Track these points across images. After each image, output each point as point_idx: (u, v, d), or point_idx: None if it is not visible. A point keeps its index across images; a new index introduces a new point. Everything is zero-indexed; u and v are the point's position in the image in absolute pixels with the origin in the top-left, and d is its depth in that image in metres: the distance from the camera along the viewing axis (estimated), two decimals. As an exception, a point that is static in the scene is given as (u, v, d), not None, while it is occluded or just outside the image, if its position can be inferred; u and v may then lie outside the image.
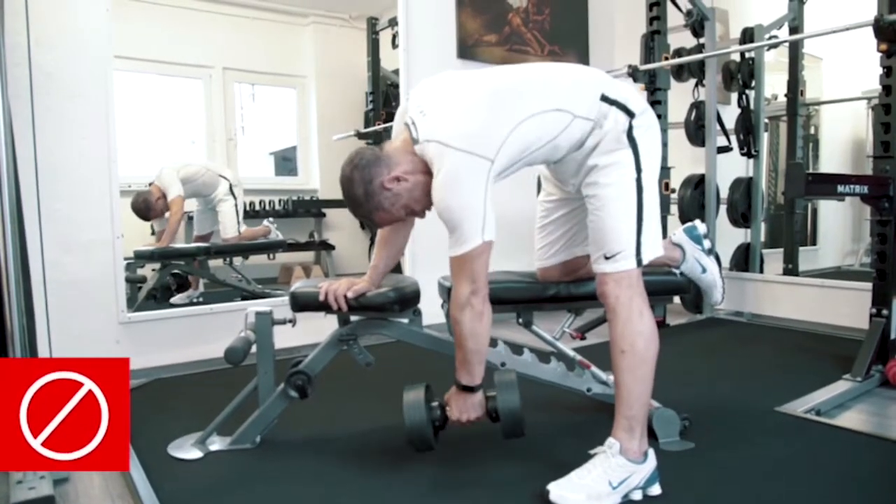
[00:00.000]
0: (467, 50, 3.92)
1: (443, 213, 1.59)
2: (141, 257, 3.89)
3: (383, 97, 5.10)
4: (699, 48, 3.90)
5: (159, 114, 5.09)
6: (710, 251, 2.14)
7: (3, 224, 1.80)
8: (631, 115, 1.63)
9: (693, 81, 4.07)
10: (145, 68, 4.86)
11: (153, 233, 4.35)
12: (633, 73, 3.54)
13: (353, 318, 1.97)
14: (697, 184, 3.91)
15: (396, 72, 4.07)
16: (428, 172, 1.63)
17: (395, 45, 4.03)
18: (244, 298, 3.91)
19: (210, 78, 5.25)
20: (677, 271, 2.08)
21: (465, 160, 1.55)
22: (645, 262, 1.64)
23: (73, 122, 2.73)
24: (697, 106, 4.00)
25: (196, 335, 3.03)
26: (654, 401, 1.91)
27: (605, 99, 1.64)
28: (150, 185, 4.10)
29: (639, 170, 1.62)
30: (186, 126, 5.28)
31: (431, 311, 2.07)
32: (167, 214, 4.11)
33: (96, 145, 2.79)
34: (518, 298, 2.01)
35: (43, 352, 2.18)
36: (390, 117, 4.76)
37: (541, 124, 1.62)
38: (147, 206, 4.03)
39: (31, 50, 2.54)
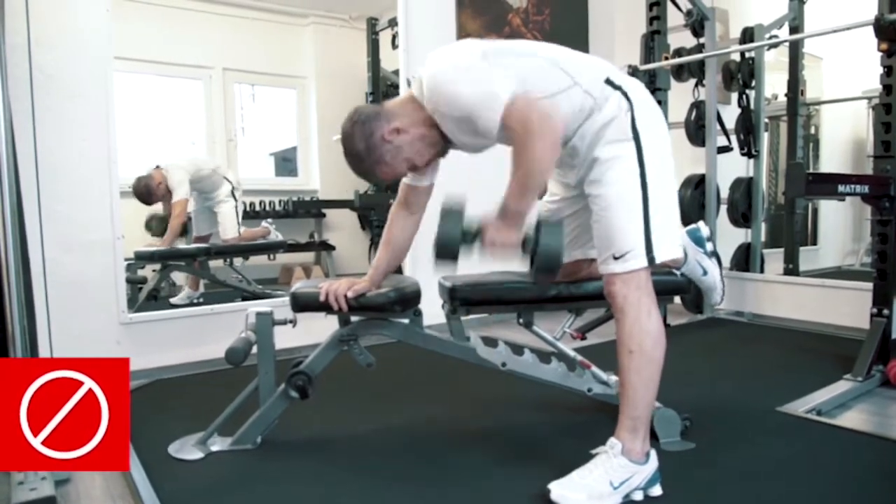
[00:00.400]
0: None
1: (451, 107, 1.57)
2: (141, 258, 3.89)
3: (383, 98, 5.10)
4: (699, 48, 3.90)
5: (159, 114, 5.09)
6: (713, 253, 2.14)
7: (4, 224, 1.80)
8: (632, 103, 1.62)
9: (693, 81, 4.07)
10: (145, 69, 4.86)
11: (154, 233, 4.35)
12: (634, 73, 3.54)
13: (354, 318, 1.97)
14: (698, 184, 3.92)
15: (396, 72, 4.07)
16: (429, 125, 1.63)
17: (395, 46, 4.03)
18: (244, 299, 3.91)
19: (210, 78, 5.25)
20: (678, 272, 2.07)
21: (456, 58, 1.60)
22: (659, 260, 1.60)
23: (74, 123, 2.74)
24: (697, 106, 4.00)
25: (197, 336, 3.04)
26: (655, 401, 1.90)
27: (609, 82, 1.64)
28: (156, 168, 4.10)
29: (642, 164, 1.60)
30: (186, 127, 5.28)
31: (432, 311, 2.07)
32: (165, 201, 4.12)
33: (96, 146, 2.80)
34: (519, 299, 2.01)
35: (44, 352, 2.18)
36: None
37: (543, 72, 1.62)
38: (148, 192, 4.05)
39: (31, 50, 2.54)
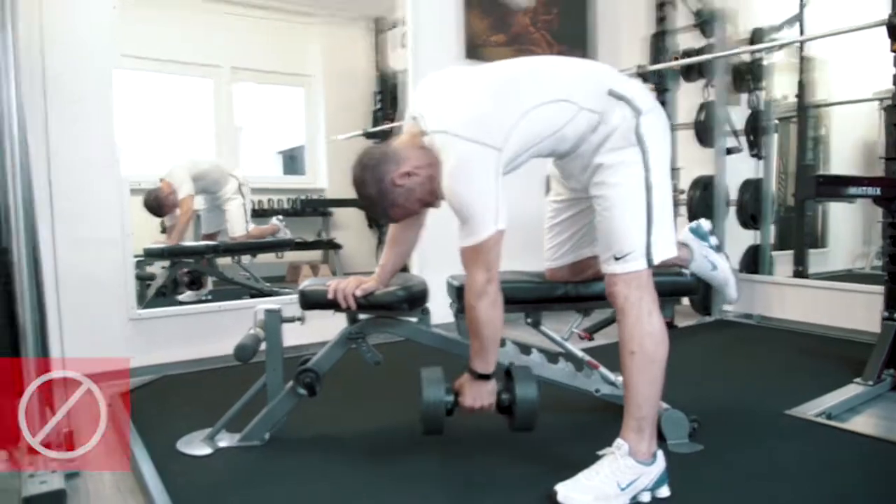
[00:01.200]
0: (475, 50, 3.92)
1: (453, 203, 1.60)
2: (151, 255, 3.92)
3: (390, 97, 5.10)
4: (708, 48, 3.89)
5: (169, 112, 5.12)
6: (719, 248, 2.14)
7: (17, 223, 1.82)
8: (638, 111, 1.62)
9: (702, 82, 4.05)
10: (154, 67, 4.89)
11: (163, 230, 4.38)
12: (642, 74, 3.53)
13: (362, 316, 1.98)
14: (706, 185, 3.90)
15: (404, 71, 4.08)
16: (438, 164, 1.63)
17: (401, 45, 4.03)
18: (252, 296, 3.92)
19: (218, 77, 5.28)
20: (687, 272, 2.07)
21: (473, 149, 1.57)
22: (656, 262, 1.62)
23: (82, 122, 2.75)
24: (706, 107, 3.99)
25: (205, 332, 3.05)
26: (662, 402, 1.90)
27: (612, 94, 1.64)
28: (161, 181, 4.13)
29: (647, 168, 1.60)
30: (195, 124, 5.31)
31: (439, 310, 2.08)
32: (178, 211, 4.15)
33: (104, 144, 2.82)
34: (526, 298, 2.02)
35: (54, 349, 2.19)
36: (398, 117, 4.79)
37: (547, 114, 1.63)
38: (158, 203, 4.07)
39: (43, 50, 2.57)
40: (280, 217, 4.69)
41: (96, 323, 2.77)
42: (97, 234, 2.80)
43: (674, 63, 3.61)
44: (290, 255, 4.94)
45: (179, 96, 5.25)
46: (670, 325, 3.57)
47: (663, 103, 3.58)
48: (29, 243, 1.86)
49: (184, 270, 4.12)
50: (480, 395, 1.73)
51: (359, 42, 5.37)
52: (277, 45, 5.47)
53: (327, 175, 5.56)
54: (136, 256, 3.08)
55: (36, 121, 2.48)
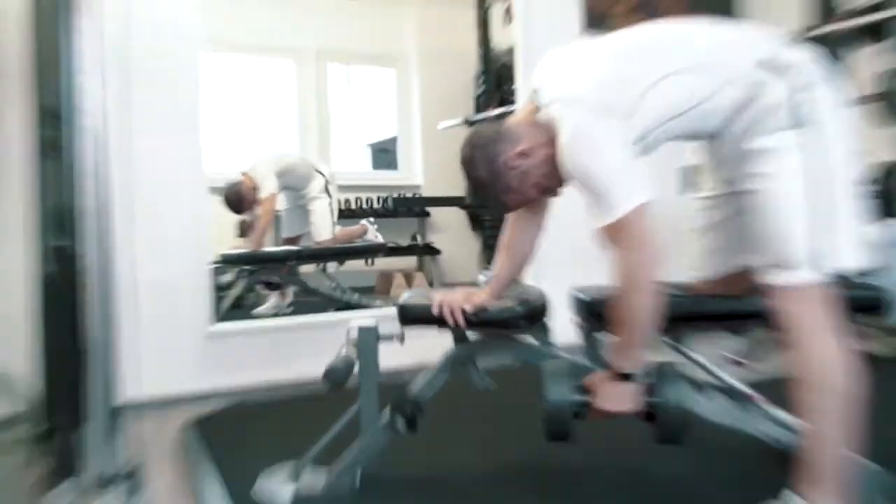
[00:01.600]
0: (597, 21, 3.84)
1: (578, 176, 1.59)
2: (228, 262, 4.04)
3: (496, 80, 5.05)
4: (882, 4, 3.62)
5: (253, 103, 5.33)
6: None
7: (89, 225, 1.89)
8: (801, 85, 1.53)
9: (879, 46, 3.77)
10: (234, 50, 5.11)
11: (241, 234, 4.52)
12: (805, 39, 3.34)
13: (471, 334, 1.94)
14: (891, 172, 3.62)
15: (509, 51, 4.03)
16: (556, 142, 1.61)
17: (507, 21, 3.99)
18: (338, 309, 3.96)
19: (302, 59, 5.42)
20: (882, 283, 1.90)
21: (592, 117, 1.57)
22: (831, 270, 1.51)
23: (166, 110, 2.92)
24: (892, 75, 3.71)
25: (286, 351, 3.12)
26: (864, 459, 1.71)
27: (767, 64, 1.55)
28: (243, 174, 4.27)
29: (812, 155, 1.51)
30: (277, 116, 5.49)
31: (560, 328, 2.01)
32: (257, 209, 4.28)
33: (184, 144, 2.96)
34: (668, 315, 1.90)
35: (126, 369, 2.25)
36: (503, 101, 4.73)
37: (682, 85, 1.59)
38: (239, 199, 4.23)
39: (129, 35, 2.75)
40: (371, 219, 4.73)
41: (169, 339, 2.89)
42: (174, 238, 2.94)
43: (846, 24, 3.38)
44: (381, 263, 4.97)
45: (260, 83, 5.44)
46: (867, 355, 3.29)
47: (835, 74, 3.34)
48: (101, 249, 1.91)
49: (262, 280, 4.23)
50: (619, 398, 1.63)
51: (459, 18, 5.33)
52: (366, 24, 5.56)
53: (423, 170, 5.59)
54: (214, 263, 3.18)
55: (120, 112, 2.60)
